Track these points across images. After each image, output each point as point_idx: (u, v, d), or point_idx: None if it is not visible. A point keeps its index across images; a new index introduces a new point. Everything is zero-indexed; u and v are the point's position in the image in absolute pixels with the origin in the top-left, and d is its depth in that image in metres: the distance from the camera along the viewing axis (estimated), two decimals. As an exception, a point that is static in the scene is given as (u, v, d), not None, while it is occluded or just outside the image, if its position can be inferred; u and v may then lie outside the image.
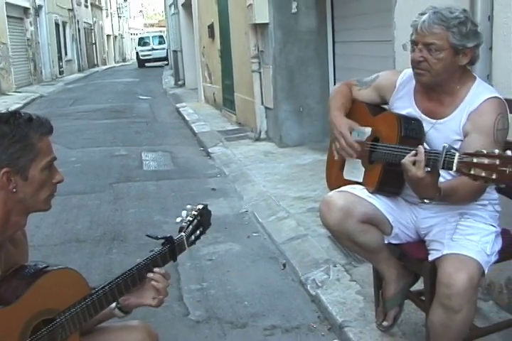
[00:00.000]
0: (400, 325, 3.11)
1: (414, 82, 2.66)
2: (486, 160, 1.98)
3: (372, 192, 2.65)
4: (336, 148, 2.75)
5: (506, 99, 2.55)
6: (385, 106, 2.83)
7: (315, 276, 3.89)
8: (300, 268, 4.10)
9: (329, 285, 3.74)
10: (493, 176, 1.96)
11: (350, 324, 3.25)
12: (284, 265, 4.31)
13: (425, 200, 2.33)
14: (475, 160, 2.01)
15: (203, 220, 2.30)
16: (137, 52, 39.96)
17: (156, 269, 2.06)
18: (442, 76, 2.48)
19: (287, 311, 3.64)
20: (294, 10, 7.89)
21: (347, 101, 2.86)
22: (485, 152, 2.00)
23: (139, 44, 40.37)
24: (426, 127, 2.57)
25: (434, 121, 2.57)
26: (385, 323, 2.87)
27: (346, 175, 2.83)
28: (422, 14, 2.43)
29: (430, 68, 2.45)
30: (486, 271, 2.39)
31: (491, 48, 3.15)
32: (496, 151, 1.98)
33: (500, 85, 3.02)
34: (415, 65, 2.49)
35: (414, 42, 2.47)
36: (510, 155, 1.95)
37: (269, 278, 4.14)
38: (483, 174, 1.98)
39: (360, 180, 2.73)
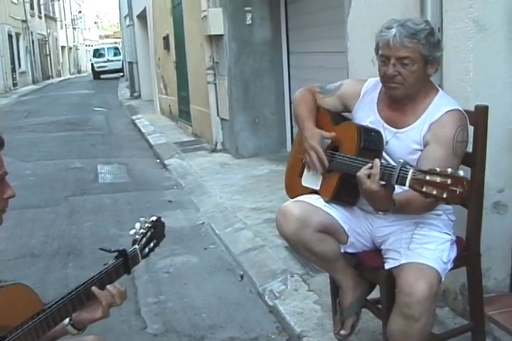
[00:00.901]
0: (358, 333, 3.12)
1: (377, 90, 2.69)
2: (438, 179, 2.01)
3: (327, 201, 2.66)
4: (307, 160, 2.74)
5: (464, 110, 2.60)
6: (348, 115, 2.84)
7: (273, 287, 3.89)
8: (257, 279, 4.10)
9: (287, 295, 3.74)
10: (444, 195, 1.99)
11: (309, 334, 3.25)
12: (242, 276, 4.30)
13: (379, 212, 2.36)
14: (428, 177, 2.03)
15: (156, 232, 2.28)
16: (92, 64, 39.68)
17: (109, 287, 2.03)
18: (415, 87, 2.51)
19: (245, 322, 3.63)
20: (248, 21, 7.94)
21: (314, 110, 2.85)
22: (438, 170, 2.02)
23: (94, 55, 40.07)
24: (387, 136, 2.59)
25: (395, 130, 2.58)
26: (342, 332, 2.87)
27: (305, 182, 2.83)
28: (389, 28, 2.43)
29: (404, 81, 2.47)
30: (443, 279, 2.42)
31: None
32: (449, 170, 2.01)
33: (452, 95, 3.05)
34: (388, 79, 2.50)
35: (385, 57, 2.47)
36: (461, 175, 1.98)
37: (226, 290, 4.12)
38: (435, 192, 2.01)
39: (317, 188, 2.74)
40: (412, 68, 2.44)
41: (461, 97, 3.02)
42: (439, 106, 2.51)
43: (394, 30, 2.40)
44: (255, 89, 8.10)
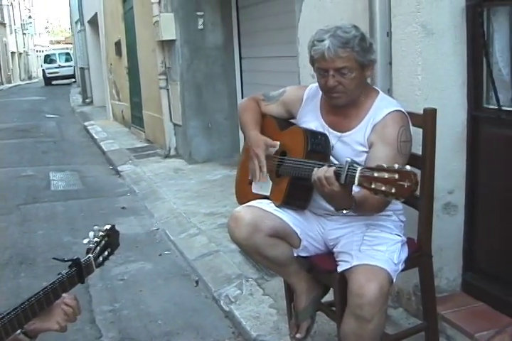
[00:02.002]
0: (314, 336, 3.14)
1: (320, 96, 2.71)
2: (386, 175, 2.02)
3: (279, 206, 2.67)
4: (251, 168, 2.75)
5: (407, 112, 2.64)
6: (293, 121, 2.85)
7: (228, 292, 3.88)
8: (213, 284, 4.08)
9: (242, 300, 3.74)
10: (393, 190, 2.00)
11: (265, 338, 3.26)
12: (197, 282, 4.28)
13: (343, 211, 2.35)
14: (376, 174, 2.05)
15: (110, 241, 2.27)
16: (43, 70, 39.06)
17: (65, 295, 2.01)
18: (356, 93, 2.55)
19: (202, 328, 3.61)
20: (200, 26, 7.93)
21: (259, 117, 2.87)
22: (385, 166, 2.04)
23: (45, 61, 39.46)
24: (332, 140, 2.60)
25: (339, 134, 2.61)
26: (298, 335, 2.87)
27: (255, 190, 2.84)
28: (320, 41, 2.44)
29: (345, 90, 2.50)
30: (394, 280, 2.44)
31: (390, 63, 3.24)
32: (396, 166, 2.03)
33: (401, 99, 3.10)
34: (330, 90, 2.52)
35: (322, 70, 2.49)
36: (408, 169, 2.01)
37: (182, 296, 4.10)
38: (383, 188, 2.02)
39: (268, 194, 2.75)
40: (351, 76, 2.47)
41: (410, 100, 3.07)
42: (381, 108, 2.55)
43: (327, 43, 2.42)
44: (208, 95, 8.09)
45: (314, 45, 2.47)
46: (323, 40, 2.43)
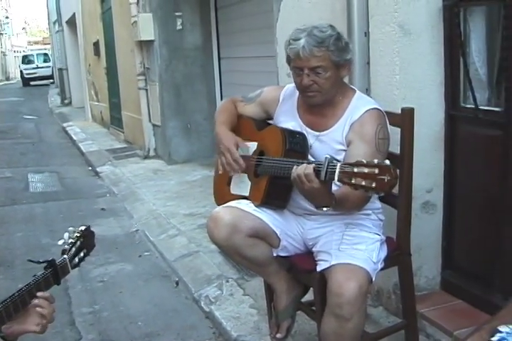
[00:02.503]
0: (294, 335, 3.14)
1: (296, 96, 2.72)
2: (365, 170, 2.03)
3: (258, 206, 2.66)
4: (222, 163, 2.75)
5: (385, 112, 2.65)
6: (271, 121, 2.86)
7: (208, 292, 3.87)
8: (193, 285, 4.08)
9: (223, 300, 3.74)
10: (373, 185, 2.01)
11: (246, 338, 3.26)
12: (177, 283, 4.27)
13: (324, 208, 2.35)
14: (355, 169, 2.05)
15: (86, 242, 2.26)
16: (21, 71, 38.70)
17: (39, 293, 1.99)
18: (331, 92, 2.56)
19: (182, 329, 3.60)
20: (179, 27, 7.91)
21: (232, 117, 2.88)
22: (365, 161, 2.04)
23: (23, 62, 39.09)
24: (310, 140, 2.61)
25: (317, 133, 2.61)
26: (278, 335, 2.86)
27: (233, 190, 2.84)
28: (296, 40, 2.45)
29: (321, 89, 2.51)
30: (373, 279, 2.44)
31: (368, 63, 3.25)
32: (375, 161, 2.04)
33: (379, 99, 3.11)
34: (305, 89, 2.53)
35: (298, 69, 2.50)
36: (388, 164, 2.01)
37: (162, 297, 4.09)
38: (364, 183, 2.02)
39: (247, 194, 2.74)
40: (325, 75, 2.48)
41: (388, 100, 3.08)
42: (358, 107, 2.56)
43: (302, 41, 2.43)
44: (187, 95, 8.07)
45: (290, 44, 2.48)
46: (299, 39, 2.44)
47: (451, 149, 3.17)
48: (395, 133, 2.69)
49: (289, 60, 2.55)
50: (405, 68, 3.06)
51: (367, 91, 3.23)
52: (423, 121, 3.03)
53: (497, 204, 2.93)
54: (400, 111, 2.68)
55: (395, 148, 2.70)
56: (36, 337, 2.17)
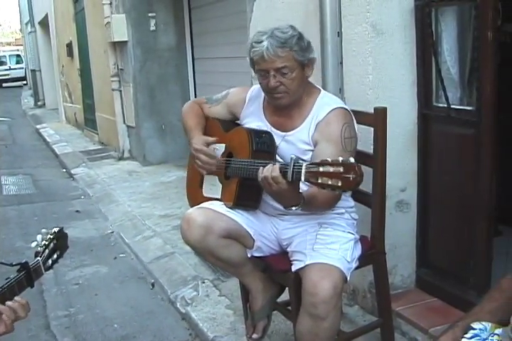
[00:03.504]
0: (271, 336, 3.14)
1: (262, 97, 2.72)
2: (331, 169, 2.02)
3: (231, 208, 2.66)
4: (198, 165, 2.73)
5: (358, 111, 2.66)
6: (238, 122, 2.86)
7: (184, 294, 3.86)
8: (169, 286, 4.06)
9: (199, 301, 3.72)
10: (339, 183, 2.01)
11: (222, 339, 3.24)
12: (153, 284, 4.25)
13: (292, 208, 2.35)
14: (321, 169, 2.05)
15: (59, 243, 2.25)
16: (-7, 72, 38.30)
17: (8, 303, 1.96)
18: (298, 92, 2.56)
19: (158, 331, 3.59)
20: (152, 27, 7.87)
21: (201, 120, 2.87)
22: (330, 160, 2.04)
23: (-5, 63, 38.70)
24: (277, 140, 2.61)
25: (283, 133, 2.61)
26: (254, 336, 2.86)
27: (205, 193, 2.84)
28: (259, 42, 2.45)
29: (287, 89, 2.51)
30: (348, 278, 2.45)
31: (341, 63, 3.26)
32: (340, 159, 2.03)
33: (352, 99, 3.13)
34: (272, 90, 2.52)
35: (263, 71, 2.49)
36: (352, 162, 2.01)
37: (138, 299, 4.07)
38: (330, 182, 2.02)
39: (219, 197, 2.74)
40: (292, 76, 2.48)
41: (362, 100, 3.09)
42: (323, 106, 2.56)
43: (265, 43, 2.42)
44: (161, 96, 8.04)
45: (253, 47, 2.47)
46: (261, 42, 2.44)
47: (425, 148, 3.19)
48: (368, 132, 2.70)
49: (253, 63, 2.54)
50: (378, 68, 3.07)
51: (340, 91, 3.24)
52: (396, 121, 3.05)
53: (470, 202, 2.95)
54: (372, 111, 2.68)
55: (369, 147, 2.71)
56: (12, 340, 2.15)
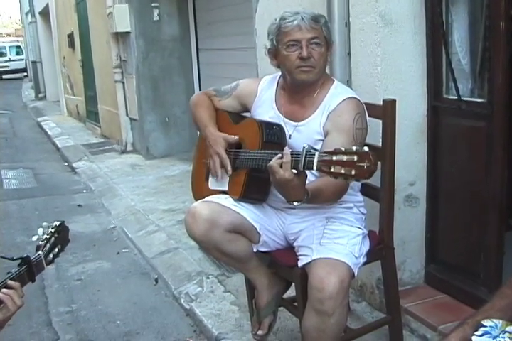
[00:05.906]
0: (277, 332, 3.11)
1: (274, 87, 2.71)
2: (344, 157, 1.98)
3: (237, 200, 2.62)
4: (210, 166, 2.71)
5: (366, 103, 2.61)
6: (247, 114, 2.83)
7: (188, 289, 3.82)
8: (173, 282, 4.02)
9: (203, 297, 3.68)
10: (352, 172, 1.96)
11: (227, 335, 3.21)
12: (157, 280, 4.21)
13: (294, 203, 2.30)
14: (334, 158, 2.01)
15: (60, 237, 2.23)
16: (-7, 64, 38.26)
17: (4, 290, 1.94)
18: (321, 72, 2.56)
19: (162, 327, 3.55)
20: (155, 18, 7.80)
21: (213, 112, 2.84)
22: (343, 149, 2.00)
23: (-5, 55, 38.66)
24: (289, 130, 2.59)
25: (295, 123, 2.59)
26: (260, 332, 2.83)
27: (212, 186, 2.79)
28: (292, 15, 2.48)
29: (316, 64, 2.50)
30: (355, 273, 2.41)
31: (349, 54, 3.22)
32: (354, 148, 1.99)
33: (360, 90, 3.08)
34: (301, 63, 2.49)
35: (295, 41, 2.47)
36: (366, 150, 1.97)
37: (141, 295, 4.03)
38: (343, 171, 1.98)
39: (226, 189, 2.70)
40: (320, 50, 2.50)
41: (370, 91, 3.05)
42: (336, 96, 2.55)
43: (300, 15, 2.47)
44: (165, 88, 7.97)
45: (285, 19, 2.49)
46: (295, 14, 2.49)
47: (434, 141, 3.14)
48: (376, 125, 2.67)
49: (280, 37, 2.51)
50: (387, 59, 3.02)
51: (348, 82, 3.20)
52: (405, 113, 3.02)
53: (481, 196, 2.91)
54: (381, 103, 2.64)
55: (377, 140, 2.69)
56: (13, 337, 2.12)
